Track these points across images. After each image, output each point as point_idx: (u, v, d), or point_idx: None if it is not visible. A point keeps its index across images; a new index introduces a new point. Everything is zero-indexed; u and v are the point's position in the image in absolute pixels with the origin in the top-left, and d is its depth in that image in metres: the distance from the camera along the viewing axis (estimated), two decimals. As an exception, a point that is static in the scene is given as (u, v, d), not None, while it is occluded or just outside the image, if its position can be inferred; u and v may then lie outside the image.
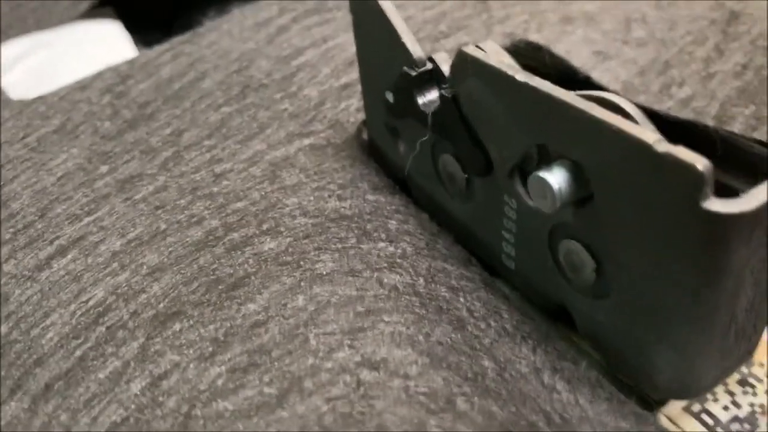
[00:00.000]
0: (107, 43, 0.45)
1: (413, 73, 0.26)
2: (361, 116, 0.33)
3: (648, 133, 0.18)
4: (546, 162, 0.22)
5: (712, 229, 0.17)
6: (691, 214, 0.17)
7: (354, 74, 0.35)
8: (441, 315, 0.24)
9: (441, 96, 0.25)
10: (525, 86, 0.21)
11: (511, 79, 0.21)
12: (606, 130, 0.19)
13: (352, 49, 0.37)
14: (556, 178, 0.20)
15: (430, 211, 0.29)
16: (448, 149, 0.26)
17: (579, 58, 0.34)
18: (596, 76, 0.33)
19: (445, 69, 0.25)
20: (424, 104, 0.26)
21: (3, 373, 0.23)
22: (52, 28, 0.45)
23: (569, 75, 0.33)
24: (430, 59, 0.26)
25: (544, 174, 0.20)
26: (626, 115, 0.21)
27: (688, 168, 0.17)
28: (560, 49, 0.35)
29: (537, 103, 0.21)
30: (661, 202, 0.18)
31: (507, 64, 0.23)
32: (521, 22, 0.37)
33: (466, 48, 0.23)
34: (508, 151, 0.23)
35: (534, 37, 0.36)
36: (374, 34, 0.27)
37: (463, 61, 0.23)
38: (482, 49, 0.24)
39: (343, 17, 0.40)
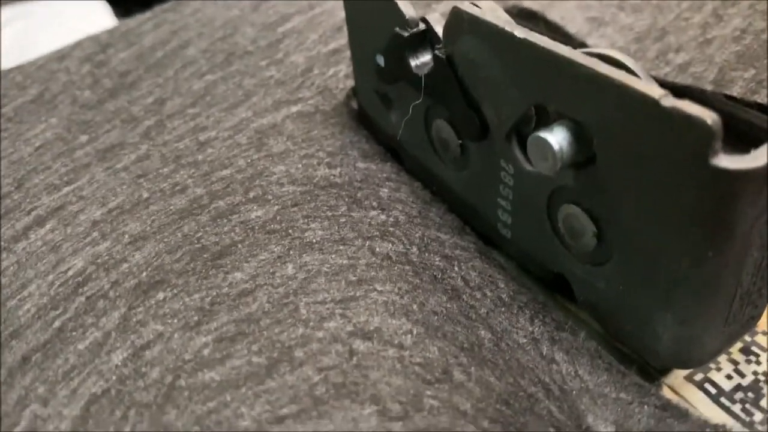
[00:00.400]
0: (87, 14, 0.44)
1: (405, 34, 0.25)
2: (351, 83, 0.32)
3: (654, 88, 0.17)
4: (545, 123, 0.21)
5: (720, 187, 0.17)
6: (699, 172, 0.17)
7: (342, 40, 0.34)
8: (435, 284, 0.24)
9: (435, 57, 0.24)
10: (524, 43, 0.20)
11: (509, 36, 0.21)
12: (609, 86, 0.18)
13: (340, 14, 0.36)
14: (556, 137, 0.19)
15: (423, 180, 0.28)
16: (442, 114, 0.25)
17: (574, 25, 0.33)
18: (592, 42, 0.32)
19: (439, 30, 0.24)
20: (417, 66, 0.25)
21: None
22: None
23: (564, 42, 0.33)
24: (423, 20, 0.25)
25: (545, 134, 0.19)
26: (629, 71, 0.20)
27: (696, 123, 0.16)
28: (554, 15, 0.34)
29: (537, 61, 0.20)
30: (667, 160, 0.17)
31: (504, 20, 0.22)
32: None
33: (461, 4, 0.22)
34: (505, 112, 0.22)
35: (527, 3, 0.35)
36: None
37: (458, 18, 0.22)
38: (478, 7, 0.23)
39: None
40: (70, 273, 0.24)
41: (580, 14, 0.34)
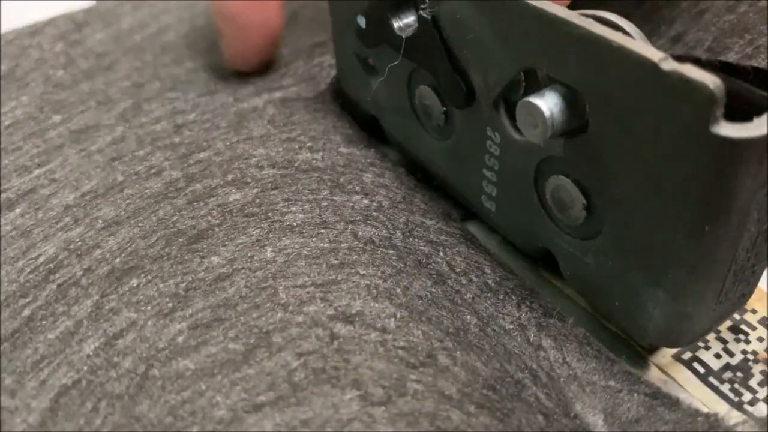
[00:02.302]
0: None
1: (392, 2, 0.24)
2: (334, 72, 0.31)
3: (652, 50, 0.17)
4: (535, 89, 0.20)
5: (720, 156, 0.16)
6: (699, 140, 0.16)
7: (327, 34, 0.33)
8: (420, 269, 0.23)
9: (419, 18, 0.23)
10: (515, 2, 0.19)
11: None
12: (605, 48, 0.17)
13: (324, 6, 0.35)
14: (547, 103, 0.18)
15: (404, 151, 0.27)
16: (426, 79, 0.24)
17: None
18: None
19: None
20: (400, 28, 0.24)
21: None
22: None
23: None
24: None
25: (535, 99, 0.19)
26: (626, 34, 0.19)
27: (697, 88, 0.15)
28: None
29: (528, 21, 0.19)
30: (664, 128, 0.17)
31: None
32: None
33: None
34: (493, 77, 0.21)
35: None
36: None
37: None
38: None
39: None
40: (41, 259, 0.23)
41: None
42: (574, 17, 0.18)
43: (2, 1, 0.39)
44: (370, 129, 0.28)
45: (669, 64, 0.16)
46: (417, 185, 0.27)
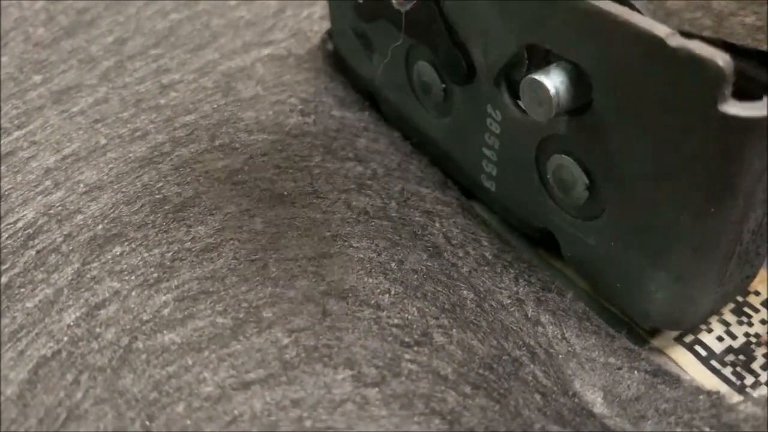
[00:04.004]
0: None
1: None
2: (326, 25, 0.30)
3: (659, 26, 0.16)
4: (538, 67, 0.19)
5: (728, 135, 0.15)
6: (706, 119, 0.15)
7: (318, -19, 0.32)
8: (415, 241, 0.22)
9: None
10: None
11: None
12: (611, 23, 0.16)
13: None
14: (553, 81, 0.18)
15: (402, 128, 0.26)
16: (425, 55, 0.23)
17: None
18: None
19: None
20: (399, 3, 0.23)
21: None
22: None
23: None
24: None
25: (540, 77, 0.18)
26: (633, 8, 0.19)
27: (706, 65, 0.15)
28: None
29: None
30: (671, 106, 0.16)
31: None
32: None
33: None
34: (495, 53, 0.20)
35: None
36: None
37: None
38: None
39: None
40: (20, 224, 0.22)
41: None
42: None
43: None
44: (364, 91, 0.27)
45: (676, 40, 0.15)
46: (413, 151, 0.26)
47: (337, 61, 0.28)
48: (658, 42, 0.15)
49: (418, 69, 0.24)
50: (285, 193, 0.23)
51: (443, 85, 0.23)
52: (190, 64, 0.28)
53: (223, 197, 0.22)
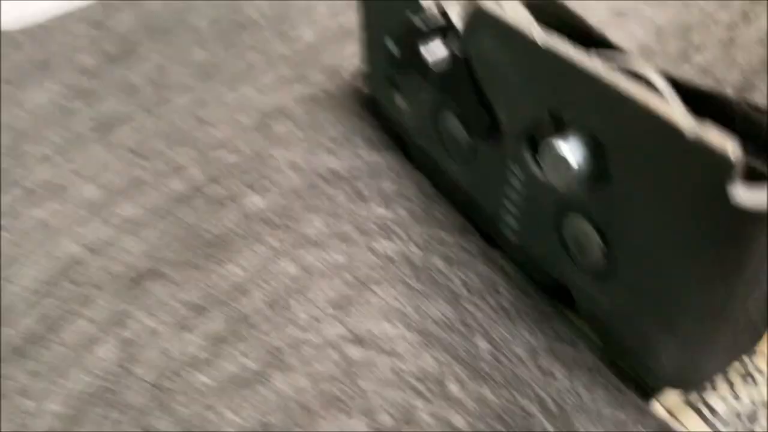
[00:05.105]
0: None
1: (422, 28, 0.23)
2: (359, 63, 0.31)
3: (680, 117, 0.16)
4: (560, 130, 0.20)
5: (736, 219, 0.16)
6: (716, 204, 0.16)
7: (354, 16, 0.33)
8: (435, 288, 0.23)
9: (450, 52, 0.23)
10: (545, 49, 0.19)
11: (529, 41, 0.19)
12: (632, 107, 0.17)
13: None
14: (574, 154, 0.18)
15: (427, 172, 0.27)
16: (452, 108, 0.24)
17: (595, 15, 0.32)
18: (611, 35, 0.31)
19: (457, 22, 0.23)
20: (432, 63, 0.24)
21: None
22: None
23: (583, 33, 0.31)
24: (441, 11, 0.24)
25: (561, 147, 0.18)
26: (654, 89, 0.19)
27: (716, 154, 0.15)
28: (575, 3, 0.32)
29: (558, 69, 0.19)
30: (683, 186, 0.17)
31: (526, 20, 0.21)
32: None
33: (481, 2, 0.21)
34: (519, 116, 0.21)
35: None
36: None
37: (477, 17, 0.21)
38: (499, 4, 0.22)
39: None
40: (59, 254, 0.23)
41: (602, 4, 0.32)
42: (604, 71, 0.17)
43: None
44: (392, 133, 0.28)
45: (693, 131, 0.16)
46: (437, 195, 0.27)
47: (369, 102, 0.29)
48: (678, 133, 0.16)
49: (445, 119, 0.24)
50: (313, 234, 0.23)
51: (468, 138, 0.24)
52: (228, 98, 0.29)
53: (254, 236, 0.23)
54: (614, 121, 0.18)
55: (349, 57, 0.31)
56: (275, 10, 0.34)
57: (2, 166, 0.27)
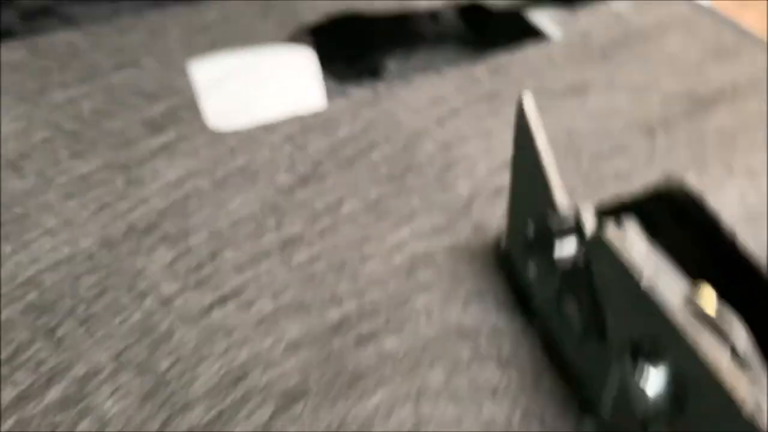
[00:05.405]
0: (300, 74, 0.49)
1: (556, 227, 0.28)
2: (504, 223, 0.35)
3: (744, 391, 0.20)
4: (654, 357, 0.23)
5: None
6: None
7: (508, 177, 0.37)
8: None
9: (575, 262, 0.27)
10: (647, 291, 0.23)
11: (636, 279, 0.23)
12: (702, 363, 0.21)
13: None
14: (656, 382, 0.22)
15: (544, 336, 0.31)
16: (572, 296, 0.28)
17: (730, 214, 0.34)
18: (744, 237, 0.33)
19: (586, 225, 0.27)
20: (559, 259, 0.28)
21: (156, 410, 0.28)
22: (249, 50, 0.50)
23: (715, 231, 0.34)
24: (576, 214, 0.28)
25: (643, 381, 0.22)
26: (733, 347, 0.22)
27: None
28: (714, 200, 0.35)
29: (653, 310, 0.23)
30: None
31: (641, 255, 0.25)
32: (683, 160, 0.38)
33: (607, 230, 0.25)
34: (624, 326, 0.25)
35: (692, 180, 0.36)
36: (529, 163, 0.30)
37: (599, 243, 0.25)
38: (621, 229, 0.26)
39: (513, 112, 0.42)
40: (235, 363, 0.30)
41: (740, 204, 0.35)
42: (689, 324, 0.21)
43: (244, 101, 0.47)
44: (520, 294, 0.33)
45: (749, 407, 0.19)
46: (549, 365, 0.30)
47: (505, 260, 0.34)
48: (737, 405, 0.20)
49: (568, 303, 0.29)
50: (433, 386, 0.28)
51: (582, 328, 0.28)
52: (388, 239, 0.35)
53: (385, 377, 0.28)
54: (690, 372, 0.21)
55: (498, 217, 0.36)
56: (442, 160, 0.39)
57: (205, 269, 0.33)
